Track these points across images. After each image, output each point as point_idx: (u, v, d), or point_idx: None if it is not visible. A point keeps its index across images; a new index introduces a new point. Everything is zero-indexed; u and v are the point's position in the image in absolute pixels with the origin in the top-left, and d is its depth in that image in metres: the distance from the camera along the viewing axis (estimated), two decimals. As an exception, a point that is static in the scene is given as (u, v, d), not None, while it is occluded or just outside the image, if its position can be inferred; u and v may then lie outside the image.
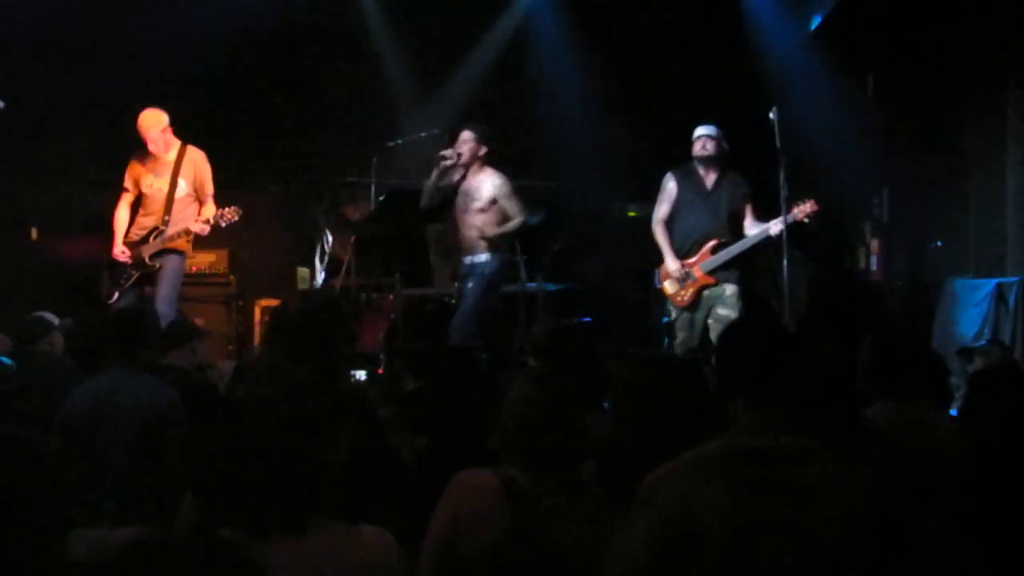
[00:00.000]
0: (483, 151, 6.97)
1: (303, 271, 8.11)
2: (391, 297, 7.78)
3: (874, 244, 8.44)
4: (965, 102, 7.93)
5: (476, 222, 6.90)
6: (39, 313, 5.50)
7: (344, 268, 7.57)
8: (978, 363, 5.29)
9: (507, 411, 2.89)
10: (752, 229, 6.81)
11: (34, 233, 7.92)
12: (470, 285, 6.90)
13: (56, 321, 5.50)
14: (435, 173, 6.93)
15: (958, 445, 3.15)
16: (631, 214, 8.50)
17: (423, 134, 7.90)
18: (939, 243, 8.15)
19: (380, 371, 7.31)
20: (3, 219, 7.50)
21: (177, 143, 6.77)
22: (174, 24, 8.08)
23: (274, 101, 8.77)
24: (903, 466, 3.02)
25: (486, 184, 6.95)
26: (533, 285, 7.74)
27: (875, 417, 3.39)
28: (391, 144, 7.77)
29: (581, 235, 8.68)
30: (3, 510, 2.89)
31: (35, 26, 7.52)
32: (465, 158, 6.93)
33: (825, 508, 2.09)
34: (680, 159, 7.09)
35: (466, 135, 6.97)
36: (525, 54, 9.09)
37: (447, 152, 6.91)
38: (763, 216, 6.78)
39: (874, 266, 8.42)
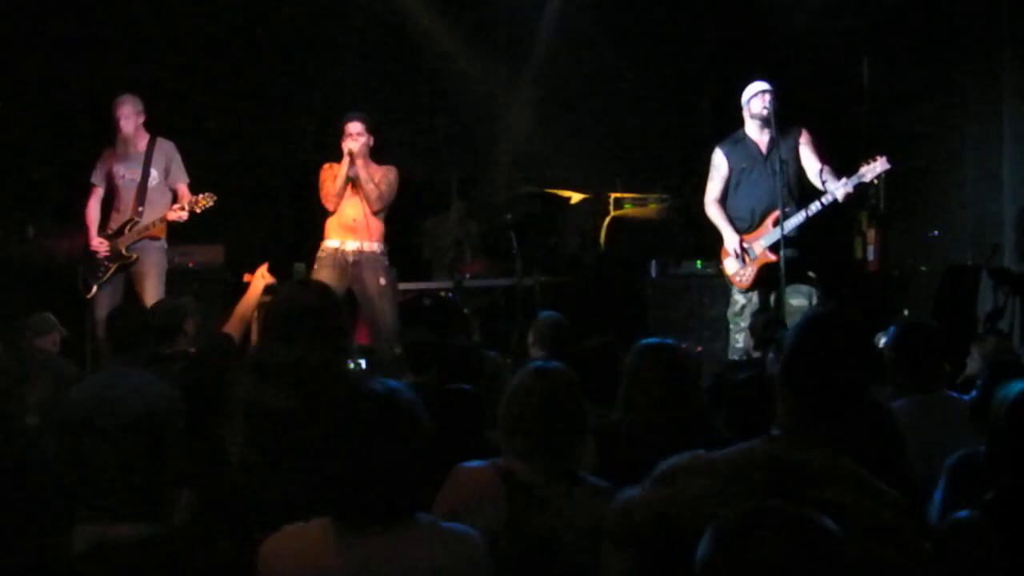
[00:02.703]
0: (372, 141, 6.81)
1: (300, 266, 8.09)
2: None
3: (871, 234, 8.42)
4: (961, 88, 7.92)
5: (374, 215, 6.77)
6: (45, 313, 5.51)
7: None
8: (975, 353, 5.28)
9: (508, 401, 2.90)
10: (817, 178, 6.09)
11: (30, 231, 7.88)
12: (383, 282, 6.76)
13: (55, 321, 5.51)
14: (344, 169, 6.67)
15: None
16: (627, 206, 8.49)
17: None
18: (936, 232, 8.16)
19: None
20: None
21: (146, 135, 6.69)
22: (173, 21, 8.08)
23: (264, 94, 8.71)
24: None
25: (377, 175, 6.83)
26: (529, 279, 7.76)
27: (904, 409, 3.38)
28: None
29: (576, 228, 8.66)
30: (4, 506, 2.89)
31: (31, 23, 7.49)
32: (362, 151, 6.72)
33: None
34: (672, 150, 7.06)
35: (358, 126, 6.72)
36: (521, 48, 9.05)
37: (353, 145, 6.67)
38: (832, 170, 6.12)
39: (871, 255, 8.41)
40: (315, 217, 8.00)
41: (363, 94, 8.52)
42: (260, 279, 4.91)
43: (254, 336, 4.98)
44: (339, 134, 6.76)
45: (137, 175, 6.60)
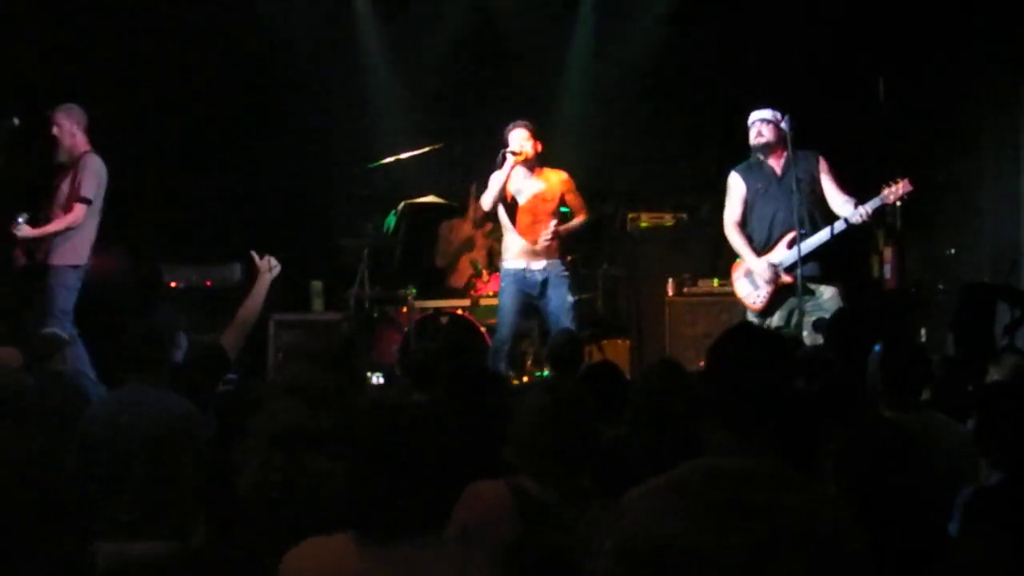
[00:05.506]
0: (540, 147, 6.85)
1: (316, 284, 8.12)
2: (404, 310, 7.79)
3: (887, 252, 8.40)
4: (978, 107, 7.90)
5: (550, 225, 6.78)
6: (50, 330, 5.51)
7: (358, 279, 7.59)
8: (993, 372, 5.25)
9: (520, 419, 2.91)
10: (841, 208, 6.12)
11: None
12: (570, 299, 6.80)
13: (67, 337, 5.52)
14: (503, 172, 6.69)
15: (972, 452, 3.15)
16: (643, 224, 8.49)
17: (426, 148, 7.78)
18: (952, 250, 8.13)
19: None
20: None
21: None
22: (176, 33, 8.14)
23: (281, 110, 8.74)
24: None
25: (553, 181, 6.85)
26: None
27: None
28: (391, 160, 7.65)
29: (594, 246, 8.67)
30: (26, 523, 2.91)
31: (48, 40, 7.57)
32: (530, 156, 6.76)
33: (791, 533, 2.03)
34: (688, 170, 7.01)
35: (523, 132, 6.75)
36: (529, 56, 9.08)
37: (516, 148, 6.70)
38: (852, 192, 6.14)
39: (887, 274, 8.38)
40: (331, 237, 8.02)
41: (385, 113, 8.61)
42: (267, 275, 4.75)
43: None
44: (502, 144, 6.78)
45: None
